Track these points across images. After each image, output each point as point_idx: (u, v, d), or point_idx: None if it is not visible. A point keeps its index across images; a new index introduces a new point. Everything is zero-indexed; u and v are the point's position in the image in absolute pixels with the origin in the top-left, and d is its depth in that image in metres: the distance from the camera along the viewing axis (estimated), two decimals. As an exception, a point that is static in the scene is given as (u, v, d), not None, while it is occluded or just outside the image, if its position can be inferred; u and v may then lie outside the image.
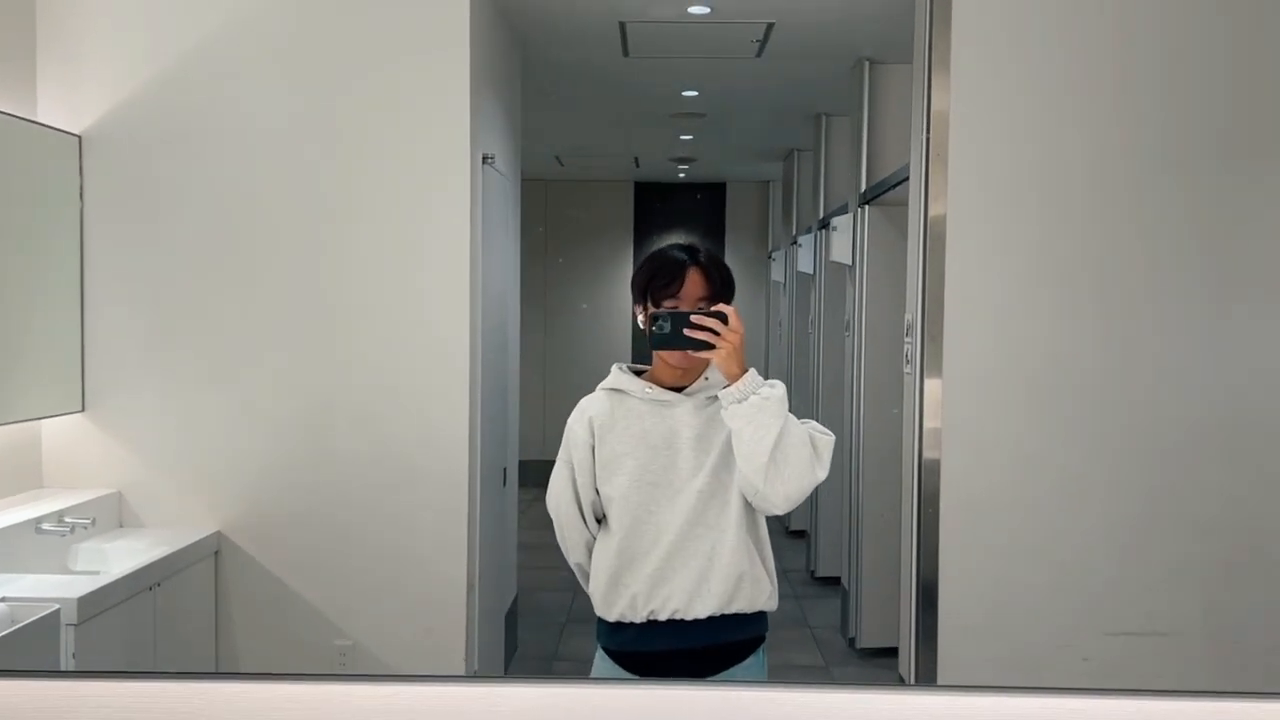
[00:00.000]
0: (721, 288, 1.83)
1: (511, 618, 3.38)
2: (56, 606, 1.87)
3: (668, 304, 1.80)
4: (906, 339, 2.55)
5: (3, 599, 1.88)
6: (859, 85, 3.60)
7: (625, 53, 3.58)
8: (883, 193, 3.32)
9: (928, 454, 2.39)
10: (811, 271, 4.42)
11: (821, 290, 4.25)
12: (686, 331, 1.73)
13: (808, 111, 4.43)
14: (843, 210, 3.81)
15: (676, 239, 3.23)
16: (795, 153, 5.09)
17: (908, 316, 2.52)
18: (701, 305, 1.79)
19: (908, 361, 2.56)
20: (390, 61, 2.44)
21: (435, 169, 2.46)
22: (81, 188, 2.45)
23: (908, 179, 2.56)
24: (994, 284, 2.37)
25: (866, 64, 3.57)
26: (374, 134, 2.44)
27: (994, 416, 2.37)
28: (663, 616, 1.78)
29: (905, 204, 2.57)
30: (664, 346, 1.77)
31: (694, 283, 1.80)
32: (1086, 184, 2.36)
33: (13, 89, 2.38)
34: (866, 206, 3.53)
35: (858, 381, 3.60)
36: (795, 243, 4.90)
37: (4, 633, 1.79)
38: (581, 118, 4.79)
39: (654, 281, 1.81)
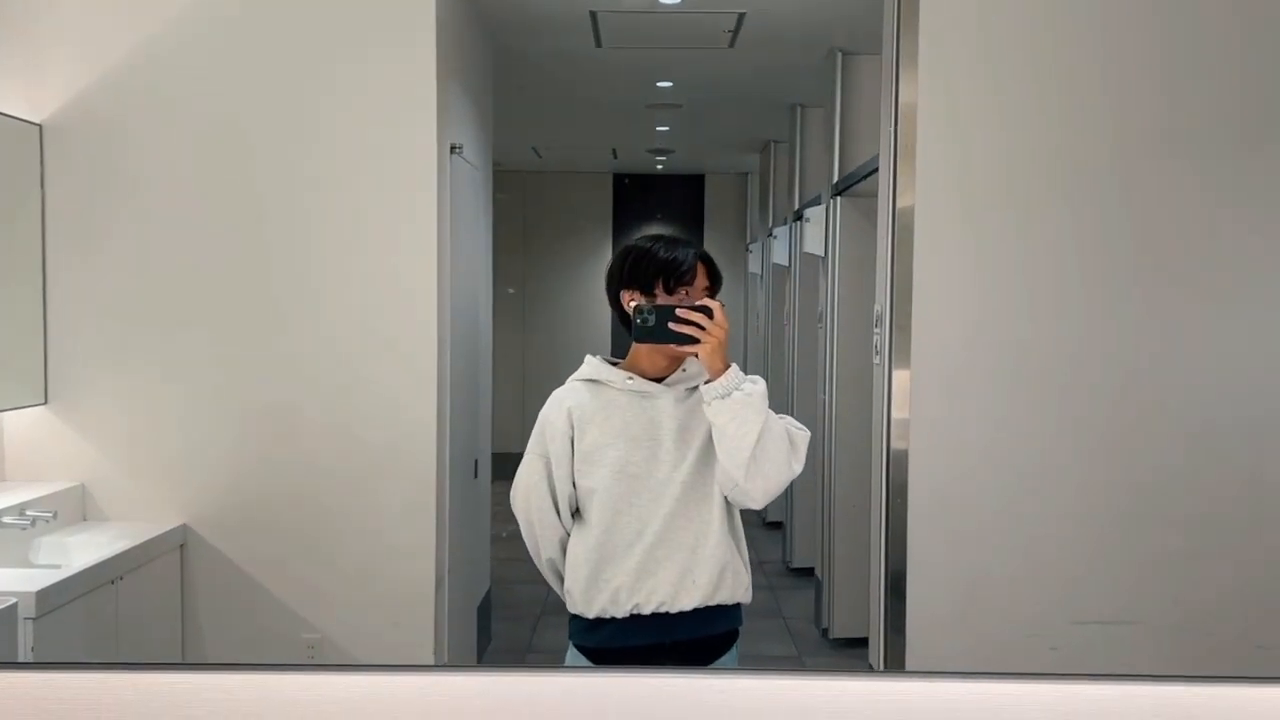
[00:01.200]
0: (717, 279, 1.86)
1: (485, 611, 3.38)
2: (14, 600, 1.85)
3: (681, 291, 1.80)
4: (875, 330, 2.55)
5: (-42, 593, 1.86)
6: (831, 76, 3.60)
7: (598, 43, 3.57)
8: (854, 184, 3.33)
9: (896, 445, 2.39)
10: (786, 263, 4.42)
11: (796, 282, 4.26)
12: (671, 325, 1.73)
13: (783, 102, 4.43)
14: (816, 202, 3.81)
15: (656, 230, 3.22)
16: (771, 144, 5.09)
17: (877, 307, 2.53)
18: (704, 297, 1.80)
19: (876, 352, 2.57)
20: (356, 50, 2.42)
21: (402, 158, 2.44)
22: (43, 177, 2.42)
23: (878, 170, 2.56)
24: (962, 276, 2.37)
25: (839, 54, 3.57)
26: (339, 124, 2.42)
27: (962, 407, 2.38)
28: (648, 610, 1.78)
29: (876, 195, 2.57)
30: (649, 340, 1.76)
31: (702, 274, 1.83)
32: (1053, 176, 2.36)
33: (-29, 77, 2.35)
34: (839, 198, 3.53)
35: (831, 373, 3.61)
36: (771, 234, 4.90)
37: (-41, 627, 1.78)
38: (557, 109, 4.78)
39: (668, 270, 1.80)
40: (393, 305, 2.46)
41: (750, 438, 1.72)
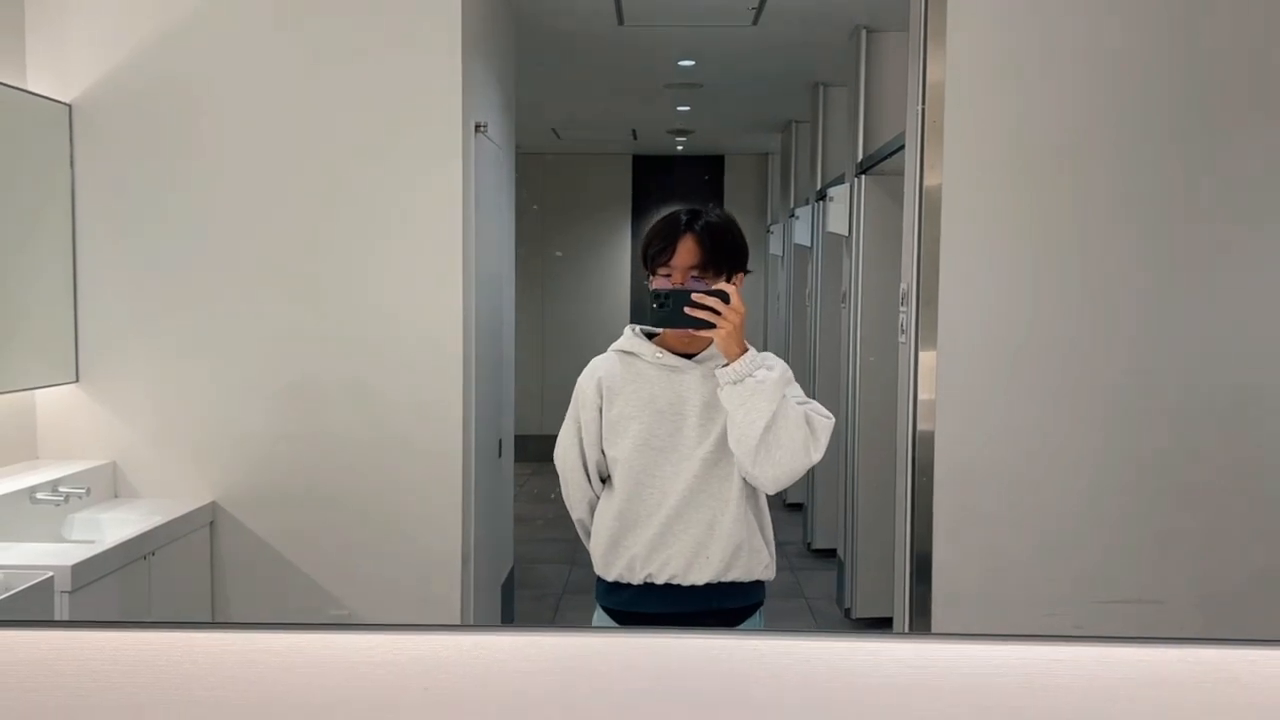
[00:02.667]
0: (715, 255, 1.80)
1: (508, 589, 3.40)
2: (50, 574, 1.87)
3: (661, 271, 1.80)
4: (901, 309, 2.54)
5: (-3, 566, 1.89)
6: (856, 53, 3.57)
7: (620, 20, 3.55)
8: (879, 162, 3.31)
9: (921, 425, 2.39)
10: (809, 243, 4.41)
11: (819, 262, 4.24)
12: (687, 310, 1.73)
13: (805, 81, 4.41)
14: (840, 181, 3.79)
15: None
16: (793, 124, 5.06)
17: (903, 286, 2.52)
18: (693, 274, 1.79)
19: (902, 331, 2.56)
20: (381, 30, 2.42)
21: (427, 137, 2.45)
22: (72, 157, 2.44)
23: (904, 148, 2.55)
24: (989, 254, 2.36)
25: (864, 32, 3.55)
26: (365, 101, 2.43)
27: (988, 386, 2.37)
28: (660, 580, 1.81)
29: (902, 173, 2.55)
30: (664, 324, 1.77)
31: (686, 250, 1.79)
32: (1080, 154, 2.34)
33: (1, 58, 2.37)
34: (863, 176, 3.51)
35: (854, 353, 3.60)
36: (793, 215, 4.88)
37: (-2, 600, 1.80)
38: (578, 89, 4.76)
39: (650, 248, 1.82)
40: (418, 284, 2.47)
41: (758, 425, 1.72)
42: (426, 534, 2.49)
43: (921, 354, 2.38)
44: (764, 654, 1.26)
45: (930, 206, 2.36)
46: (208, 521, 2.45)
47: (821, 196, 4.08)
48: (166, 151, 2.44)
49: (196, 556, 2.42)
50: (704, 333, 1.75)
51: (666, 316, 1.75)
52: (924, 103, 2.35)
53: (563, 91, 4.74)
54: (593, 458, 1.85)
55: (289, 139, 2.44)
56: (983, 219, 2.36)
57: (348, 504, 2.46)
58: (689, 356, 1.83)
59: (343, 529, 2.46)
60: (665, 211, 1.85)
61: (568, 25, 3.68)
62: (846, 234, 3.67)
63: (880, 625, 3.35)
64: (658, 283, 1.81)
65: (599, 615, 1.90)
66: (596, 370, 1.86)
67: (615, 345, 1.87)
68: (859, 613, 3.59)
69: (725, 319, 1.73)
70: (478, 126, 2.61)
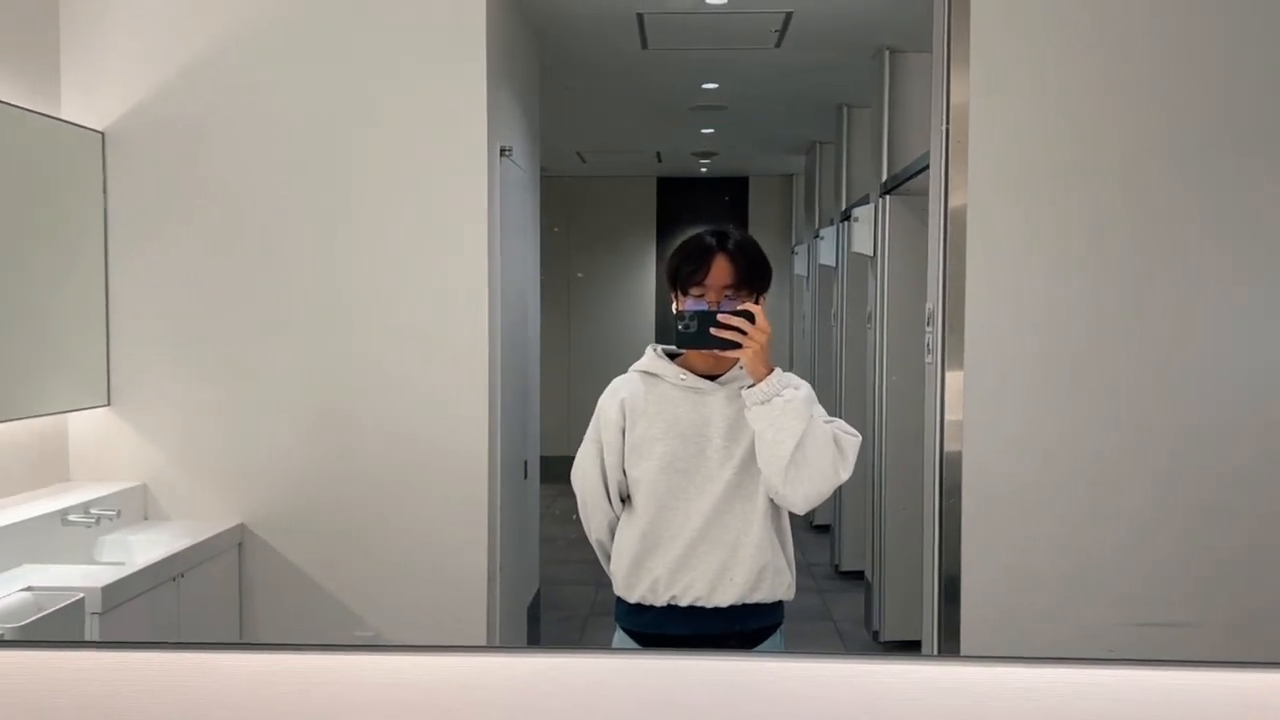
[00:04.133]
0: (750, 274, 1.81)
1: (534, 611, 3.39)
2: (81, 595, 1.89)
3: (694, 291, 1.80)
4: (927, 329, 2.53)
5: (28, 588, 1.91)
6: (880, 74, 3.58)
7: (644, 45, 3.58)
8: (903, 182, 3.30)
9: (949, 446, 2.37)
10: (833, 264, 4.40)
11: (843, 282, 4.23)
12: (713, 330, 1.73)
13: (829, 102, 4.42)
14: (864, 201, 3.79)
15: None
16: (817, 145, 5.07)
17: (928, 306, 2.51)
18: (728, 293, 1.79)
19: (929, 352, 2.54)
20: (407, 54, 2.45)
21: (453, 161, 2.47)
22: (105, 184, 2.48)
23: (928, 168, 2.54)
24: (1015, 274, 2.35)
25: (887, 53, 3.55)
26: (391, 128, 2.45)
27: (1016, 407, 2.35)
28: (683, 603, 1.80)
29: (926, 193, 2.55)
30: (691, 345, 1.78)
31: (720, 270, 1.80)
32: (1108, 173, 2.33)
33: (37, 86, 2.41)
34: (888, 196, 3.51)
35: (880, 373, 3.58)
36: (817, 236, 4.88)
37: (29, 620, 1.82)
38: (602, 113, 4.79)
39: (682, 268, 1.82)
40: (444, 306, 2.49)
41: (788, 445, 1.72)
42: (453, 555, 2.49)
43: (948, 374, 2.36)
44: (790, 677, 1.25)
45: (955, 226, 2.35)
46: (236, 543, 2.46)
47: (846, 217, 4.08)
48: (196, 177, 2.48)
49: (225, 578, 2.43)
50: (731, 353, 1.75)
51: (693, 337, 1.76)
52: (948, 123, 2.35)
53: (588, 115, 4.77)
54: (614, 478, 1.84)
55: (315, 165, 2.47)
56: (1007, 238, 2.35)
57: (375, 525, 2.47)
58: (712, 378, 1.83)
59: (370, 550, 2.47)
60: (690, 233, 1.86)
61: (593, 50, 3.71)
62: (871, 254, 3.66)
63: (909, 649, 3.32)
64: (687, 303, 1.81)
65: (619, 637, 1.89)
66: (619, 391, 1.85)
67: (637, 365, 1.87)
68: (887, 635, 3.56)
69: (752, 339, 1.73)
70: (503, 150, 2.63)
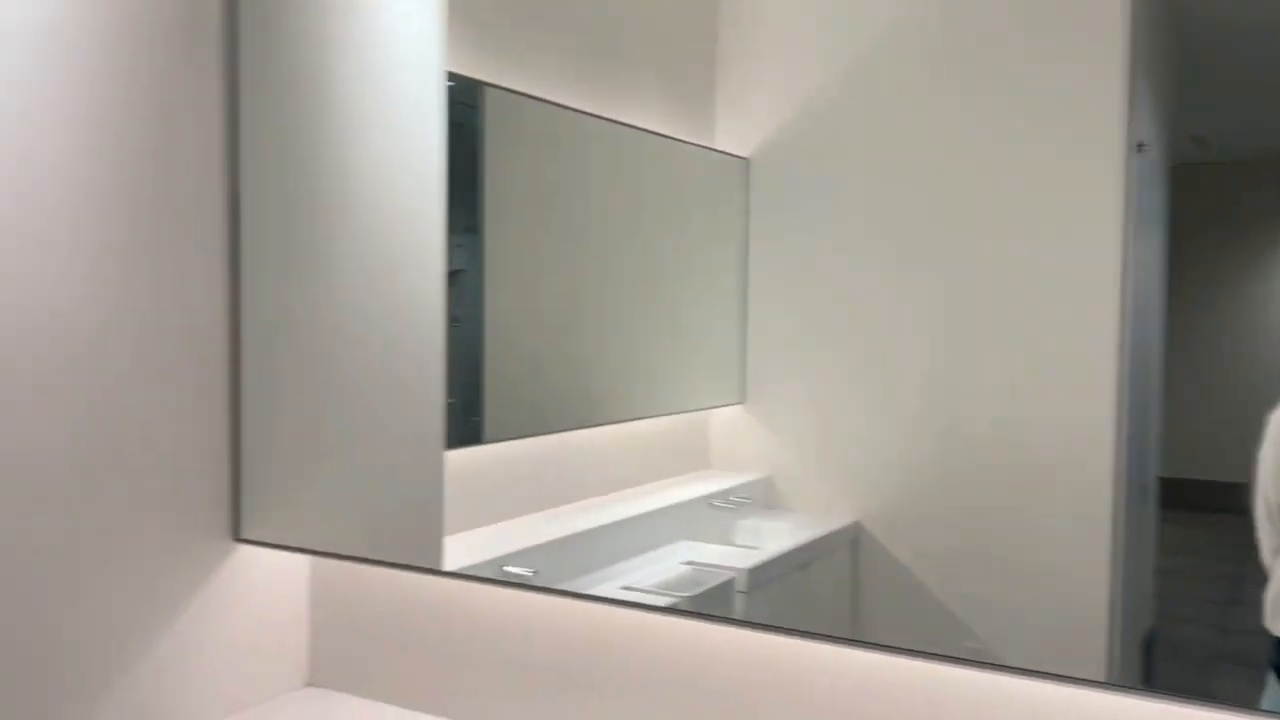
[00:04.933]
0: None
1: (1146, 649, 3.12)
2: (733, 575, 2.12)
3: None
4: None
5: (690, 562, 2.19)
6: None
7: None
8: None
9: None
10: None
11: None
12: None
13: None
14: None
15: None
16: None
17: None
18: None
19: None
20: (1039, 49, 2.39)
21: (1085, 157, 2.36)
22: (747, 204, 2.76)
23: None
24: None
25: None
26: (1019, 128, 2.41)
27: None
28: None
29: None
30: None
31: None
32: None
33: (696, 121, 2.76)
34: None
35: None
36: None
37: (692, 594, 2.09)
38: (1234, 92, 4.23)
39: None
40: (1068, 314, 2.38)
41: None
42: (1069, 576, 2.38)
43: None
44: None
45: None
46: (851, 539, 2.59)
47: None
48: (827, 196, 2.65)
49: (840, 573, 2.58)
50: None
51: None
52: None
53: (1213, 96, 4.23)
54: (1272, 500, 1.77)
55: (939, 175, 2.50)
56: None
57: (988, 535, 2.45)
58: None
59: (982, 560, 2.46)
60: None
61: (1238, 21, 3.29)
62: None
63: None
64: None
65: (1273, 686, 1.66)
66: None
67: None
68: None
69: None
70: (1139, 146, 2.45)
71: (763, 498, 2.71)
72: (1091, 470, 2.39)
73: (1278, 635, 1.65)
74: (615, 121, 2.57)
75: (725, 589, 2.08)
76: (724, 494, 2.55)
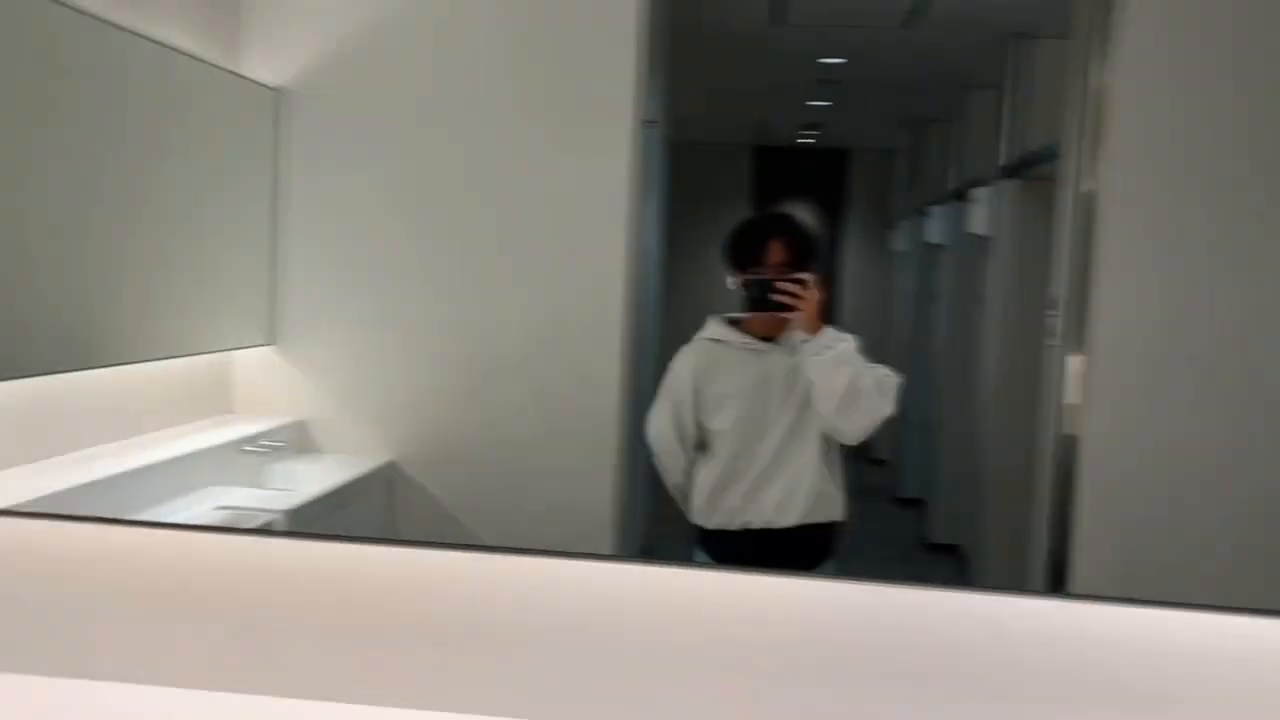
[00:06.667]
0: (802, 254, 2.24)
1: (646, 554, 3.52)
2: (272, 517, 2.06)
3: (752, 269, 2.25)
4: (1050, 313, 2.58)
5: (224, 507, 2.09)
6: (1009, 58, 3.60)
7: (772, 20, 3.63)
8: (1028, 166, 3.34)
9: (1066, 429, 2.42)
10: (939, 242, 4.43)
11: (950, 262, 4.27)
12: (772, 296, 2.14)
13: (949, 82, 4.42)
14: (978, 182, 3.82)
15: (795, 206, 3.31)
16: (928, 122, 5.07)
17: (1053, 290, 2.55)
18: (783, 270, 2.21)
19: (1051, 335, 2.59)
20: (563, 29, 2.57)
21: (603, 128, 2.59)
22: (276, 138, 2.63)
23: (1056, 155, 2.58)
24: (1146, 262, 2.38)
25: (1017, 37, 3.57)
26: (544, 98, 2.58)
27: (1140, 394, 2.39)
28: (756, 525, 2.21)
29: (1050, 178, 2.59)
30: (754, 309, 2.21)
31: (776, 252, 2.25)
32: (1248, 162, 2.35)
33: (219, 42, 2.57)
34: (1009, 180, 3.54)
35: (986, 355, 3.63)
36: (923, 213, 4.89)
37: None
38: (712, 83, 4.83)
39: (740, 252, 2.28)
40: (586, 259, 2.62)
41: (840, 387, 2.12)
42: (577, 506, 2.64)
43: (1071, 358, 2.41)
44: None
45: (1086, 213, 2.39)
46: (387, 480, 2.63)
47: (959, 196, 4.10)
48: (365, 137, 2.63)
49: (376, 511, 2.61)
50: (787, 315, 2.16)
51: (755, 302, 2.17)
52: (1083, 107, 2.38)
53: (695, 84, 4.80)
54: (687, 433, 2.26)
55: (475, 133, 2.61)
56: (1143, 227, 2.38)
57: (513, 471, 2.63)
58: (770, 340, 2.21)
59: (509, 494, 2.63)
60: (785, 205, 2.19)
61: (719, 23, 3.77)
62: (987, 235, 3.70)
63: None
64: (749, 274, 2.22)
65: (699, 558, 2.29)
66: (688, 358, 2.28)
67: (702, 334, 2.29)
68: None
69: (806, 302, 2.11)
70: (648, 122, 2.74)
71: (297, 441, 2.64)
72: (600, 408, 2.65)
73: (708, 527, 2.24)
74: (120, 27, 2.24)
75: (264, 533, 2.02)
76: (254, 438, 2.44)
